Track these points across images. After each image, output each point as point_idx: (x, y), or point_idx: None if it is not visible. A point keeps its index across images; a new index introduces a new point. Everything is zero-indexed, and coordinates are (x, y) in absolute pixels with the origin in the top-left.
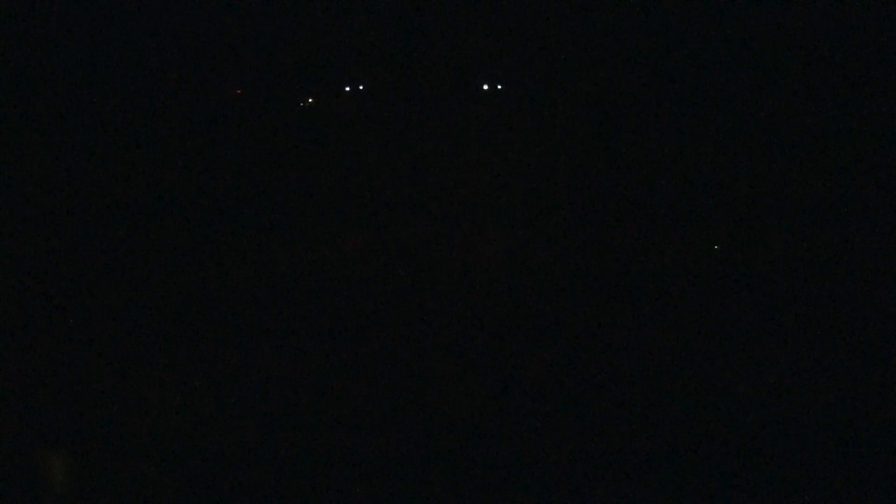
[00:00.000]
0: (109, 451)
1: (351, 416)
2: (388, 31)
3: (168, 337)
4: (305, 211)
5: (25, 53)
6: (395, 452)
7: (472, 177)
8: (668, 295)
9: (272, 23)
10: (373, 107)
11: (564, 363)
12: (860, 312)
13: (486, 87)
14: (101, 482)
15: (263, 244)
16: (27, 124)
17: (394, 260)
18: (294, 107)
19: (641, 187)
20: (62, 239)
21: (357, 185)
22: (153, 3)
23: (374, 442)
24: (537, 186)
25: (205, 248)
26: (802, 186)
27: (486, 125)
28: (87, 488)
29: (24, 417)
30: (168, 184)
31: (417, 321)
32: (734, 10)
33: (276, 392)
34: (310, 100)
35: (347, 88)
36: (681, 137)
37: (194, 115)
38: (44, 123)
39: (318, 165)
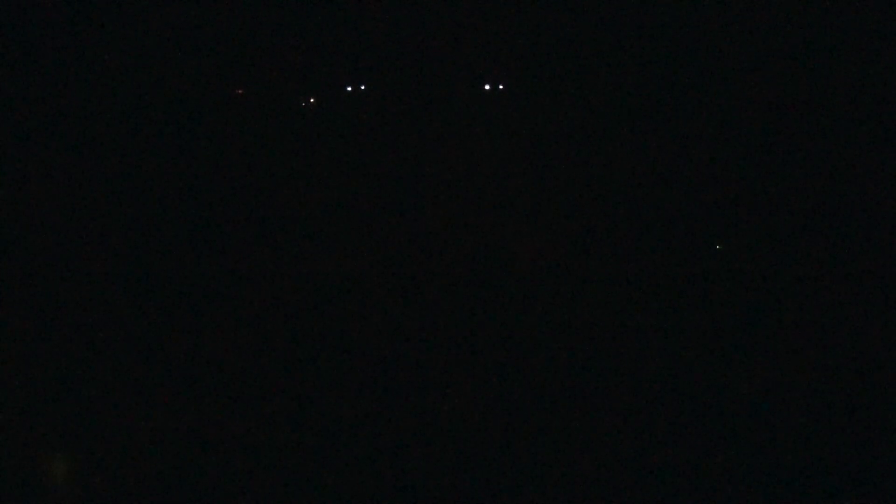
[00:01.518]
0: (110, 451)
1: (351, 416)
2: (389, 31)
3: (168, 336)
4: (306, 209)
5: (28, 54)
6: (394, 452)
7: (472, 176)
8: (669, 293)
9: (273, 23)
10: (373, 107)
11: (567, 360)
12: (860, 313)
13: (487, 86)
14: (101, 482)
15: (265, 243)
16: (29, 125)
17: (395, 258)
18: (295, 106)
19: (642, 186)
20: (63, 239)
21: (358, 183)
22: (155, 3)
23: (373, 441)
24: (538, 185)
25: (206, 246)
26: (803, 186)
27: (487, 125)
28: (88, 488)
29: (26, 418)
30: (169, 182)
31: (418, 318)
32: (734, 9)
33: (275, 392)
34: (311, 99)
35: (348, 88)
36: (681, 137)
37: (196, 114)
38: (44, 123)
39: (319, 164)
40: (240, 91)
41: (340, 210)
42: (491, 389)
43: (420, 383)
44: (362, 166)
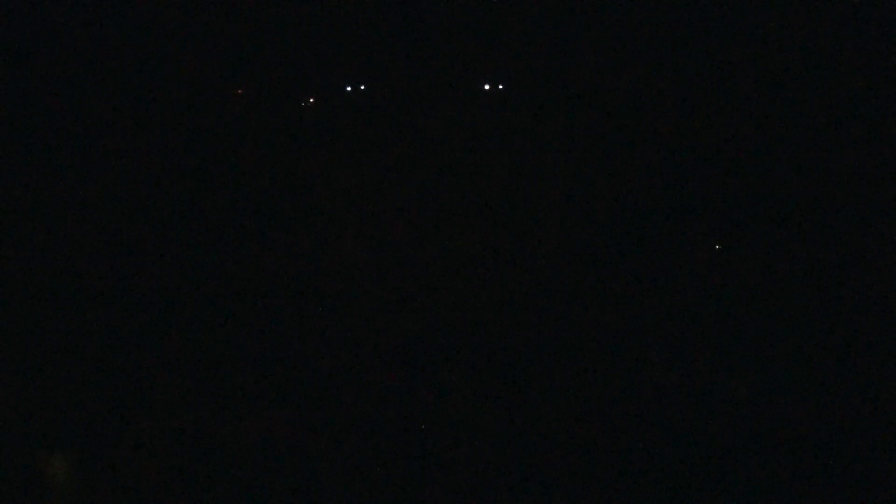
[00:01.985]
0: (110, 451)
1: (348, 415)
2: (388, 31)
3: (167, 337)
4: (306, 209)
5: (29, 54)
6: (391, 451)
7: (472, 176)
8: (670, 294)
9: (273, 23)
10: (373, 107)
11: (565, 362)
12: (860, 313)
13: (486, 87)
14: (102, 482)
15: (264, 242)
16: (30, 125)
17: (393, 257)
18: (295, 107)
19: (642, 186)
20: (62, 239)
21: (357, 183)
22: (154, 3)
23: (370, 440)
24: (537, 185)
25: (205, 246)
26: (803, 187)
27: (486, 125)
28: (89, 488)
29: (26, 418)
30: (169, 182)
31: (417, 318)
32: (734, 9)
33: (273, 390)
34: (310, 100)
35: (348, 88)
36: (681, 137)
37: (196, 114)
38: (45, 123)
39: (318, 164)
40: (240, 91)
41: (340, 209)
42: (490, 391)
43: (418, 384)
44: (362, 166)
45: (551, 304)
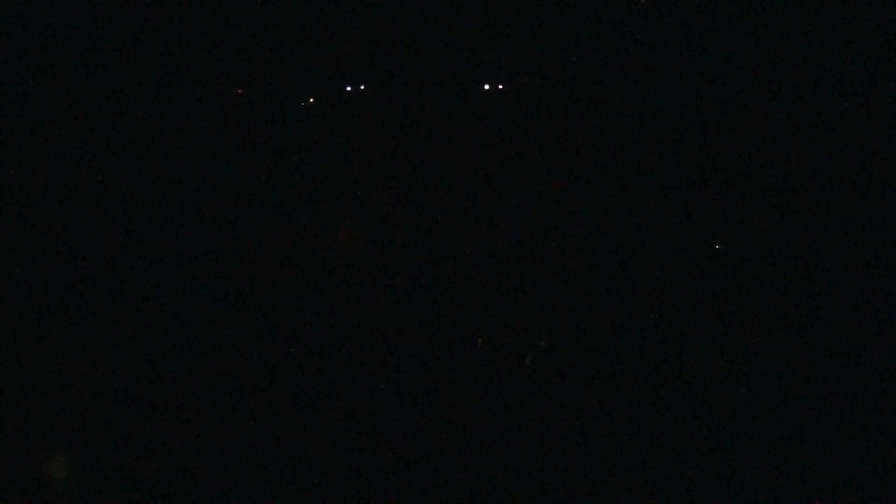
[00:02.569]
0: (110, 451)
1: (347, 414)
2: (389, 31)
3: (166, 336)
4: (305, 211)
5: (25, 53)
6: (389, 451)
7: (472, 176)
8: (670, 294)
9: (273, 23)
10: (373, 107)
11: (564, 363)
12: (860, 313)
13: (486, 86)
14: (101, 482)
15: (263, 244)
16: (27, 124)
17: (393, 259)
18: (295, 107)
19: (643, 187)
20: (62, 239)
21: (357, 184)
22: (154, 2)
23: (368, 440)
24: (538, 186)
25: (204, 247)
26: (802, 186)
27: (486, 125)
28: (88, 488)
29: (25, 418)
30: (168, 183)
31: (416, 320)
32: (736, 10)
33: (272, 389)
34: (310, 99)
35: (348, 88)
36: (683, 137)
37: (194, 114)
38: (43, 123)
39: (318, 165)
40: (239, 91)
41: (339, 210)
42: (490, 391)
43: (418, 387)
44: (362, 167)
45: (551, 304)
